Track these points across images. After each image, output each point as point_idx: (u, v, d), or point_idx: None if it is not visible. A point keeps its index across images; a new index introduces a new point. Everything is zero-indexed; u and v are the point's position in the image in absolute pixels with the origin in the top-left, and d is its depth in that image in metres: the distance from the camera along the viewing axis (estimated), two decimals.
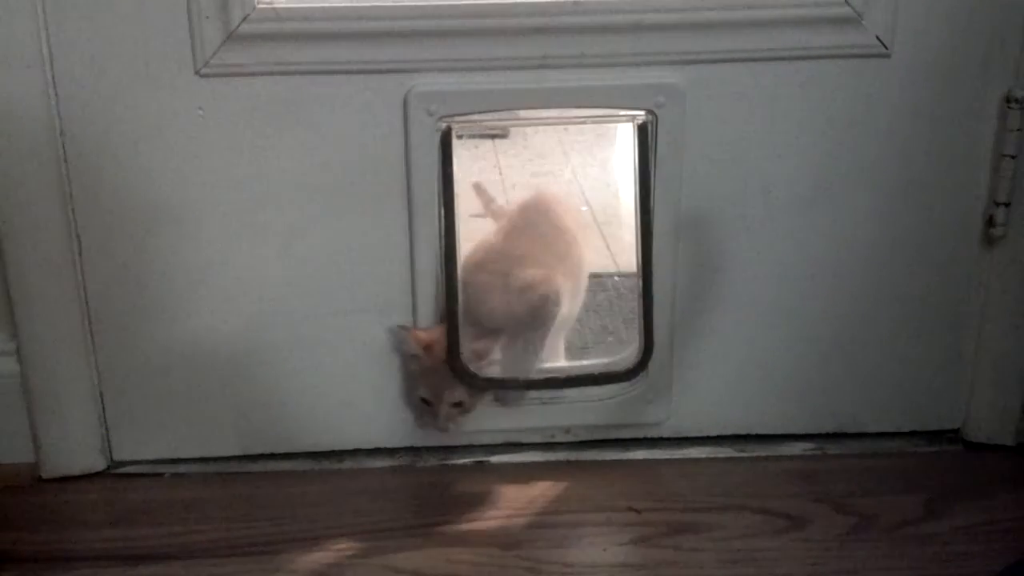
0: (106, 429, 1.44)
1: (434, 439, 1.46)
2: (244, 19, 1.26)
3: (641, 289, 1.40)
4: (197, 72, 1.28)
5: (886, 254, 1.42)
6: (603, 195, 2.43)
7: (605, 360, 1.47)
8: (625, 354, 1.45)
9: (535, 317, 1.37)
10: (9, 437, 1.42)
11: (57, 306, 1.36)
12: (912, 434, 1.51)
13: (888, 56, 1.32)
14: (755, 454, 1.48)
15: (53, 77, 1.28)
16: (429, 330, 1.37)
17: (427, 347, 1.35)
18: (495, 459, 1.47)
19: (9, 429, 1.42)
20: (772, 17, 1.29)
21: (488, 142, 2.77)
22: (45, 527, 1.35)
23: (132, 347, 1.40)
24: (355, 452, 1.47)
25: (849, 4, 1.29)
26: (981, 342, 1.46)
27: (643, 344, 1.42)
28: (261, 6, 1.26)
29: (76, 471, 1.44)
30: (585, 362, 1.48)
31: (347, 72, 1.29)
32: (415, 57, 1.29)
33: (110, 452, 1.45)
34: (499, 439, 1.48)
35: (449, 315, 1.37)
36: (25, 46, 1.25)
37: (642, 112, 1.34)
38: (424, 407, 1.38)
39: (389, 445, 1.47)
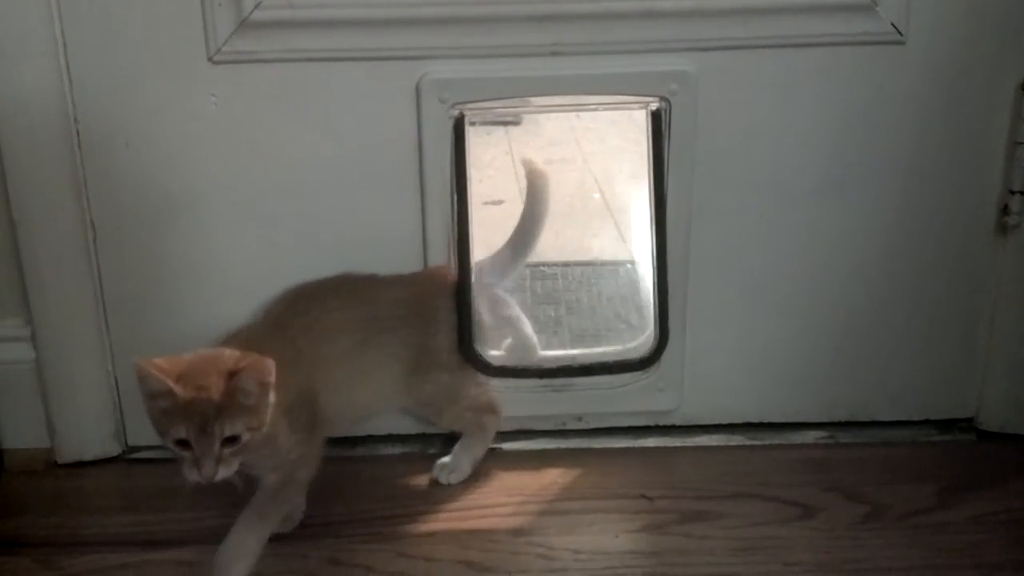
0: (120, 414, 1.44)
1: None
2: (257, 6, 1.26)
3: (656, 277, 1.40)
4: (210, 59, 1.28)
5: (899, 243, 1.41)
6: (615, 182, 2.43)
7: (618, 348, 1.47)
8: (638, 342, 1.45)
9: None
10: (24, 422, 1.43)
11: (72, 293, 1.37)
12: (925, 423, 1.51)
13: (903, 43, 1.31)
14: (767, 442, 1.48)
15: (67, 64, 1.28)
16: (173, 358, 1.13)
17: (179, 378, 1.10)
18: (507, 446, 1.48)
19: (24, 415, 1.43)
20: (786, 4, 1.29)
21: (500, 129, 2.76)
22: (60, 512, 1.36)
23: (146, 333, 1.40)
24: (367, 439, 1.48)
25: None
26: (994, 331, 1.45)
27: (658, 333, 1.42)
28: None
29: (91, 456, 1.45)
30: (598, 350, 1.49)
31: (360, 59, 1.29)
32: (427, 44, 1.29)
33: (124, 437, 1.46)
34: (511, 426, 1.48)
35: (461, 303, 1.37)
36: (39, 34, 1.26)
37: (655, 99, 1.34)
38: (184, 452, 1.11)
39: (401, 432, 1.48)
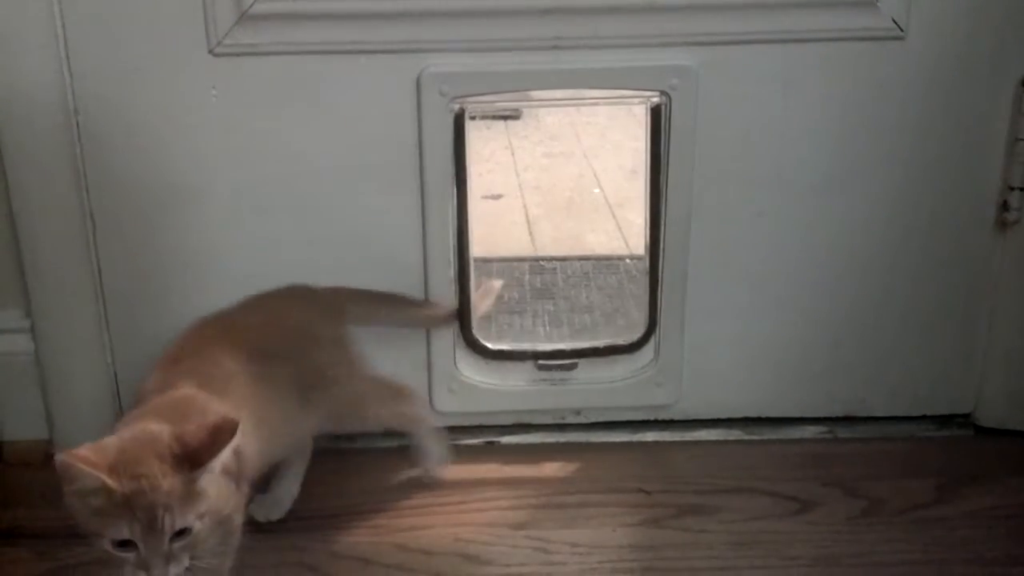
0: (119, 407, 1.44)
1: (445, 420, 1.46)
2: None
3: (649, 266, 1.41)
4: (210, 52, 1.28)
5: (899, 238, 1.41)
6: (615, 177, 2.43)
7: (617, 341, 1.47)
8: (635, 335, 1.45)
9: None
10: (23, 414, 1.43)
11: (71, 284, 1.37)
12: (923, 418, 1.51)
13: (903, 39, 1.31)
14: (765, 437, 1.48)
15: (67, 56, 1.28)
16: (99, 445, 0.99)
17: (112, 469, 0.96)
18: (505, 440, 1.48)
19: (23, 406, 1.43)
20: None
21: (500, 123, 2.77)
22: (58, 503, 1.35)
23: (145, 325, 1.40)
24: (365, 432, 1.48)
25: None
26: (993, 327, 1.45)
27: (648, 319, 1.43)
28: None
29: None
30: (595, 343, 1.49)
31: (360, 52, 1.29)
32: (428, 37, 1.29)
33: None
34: (510, 420, 1.48)
35: (461, 295, 1.39)
36: (39, 25, 1.26)
37: (656, 94, 1.34)
38: (125, 554, 0.98)
39: None
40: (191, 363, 1.17)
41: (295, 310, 1.31)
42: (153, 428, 1.01)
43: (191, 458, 0.98)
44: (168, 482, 0.96)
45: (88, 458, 0.96)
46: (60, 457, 0.95)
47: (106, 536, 0.97)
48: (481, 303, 1.46)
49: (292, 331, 1.28)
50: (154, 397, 1.11)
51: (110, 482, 0.95)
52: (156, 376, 1.16)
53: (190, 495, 0.98)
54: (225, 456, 0.99)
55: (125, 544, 0.97)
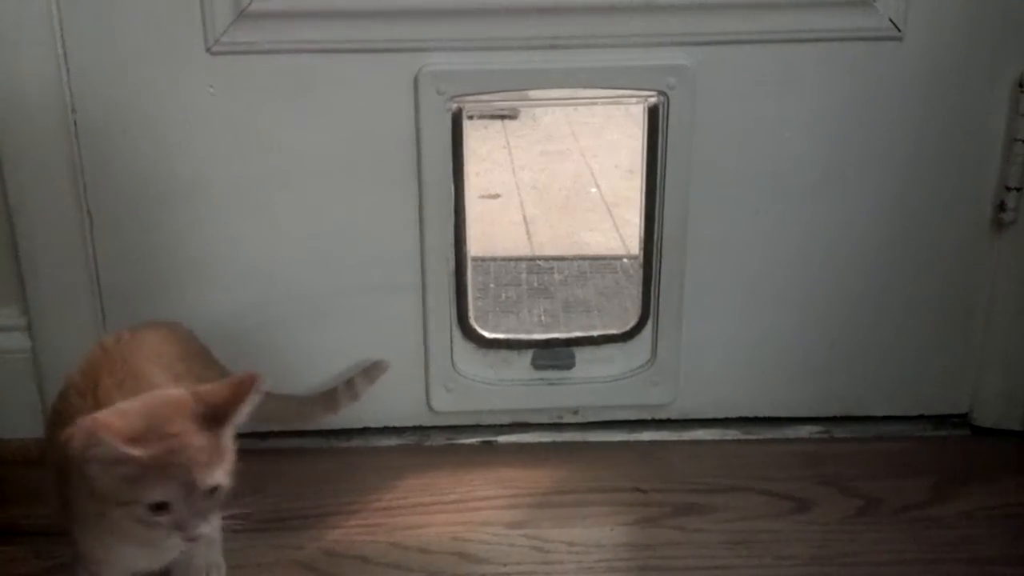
0: None
1: (442, 419, 1.47)
2: None
3: (643, 261, 1.42)
4: (208, 50, 1.28)
5: (895, 238, 1.41)
6: (612, 177, 2.44)
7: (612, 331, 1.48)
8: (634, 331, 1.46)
9: None
10: (19, 412, 1.43)
11: (68, 282, 1.37)
12: (919, 418, 1.51)
13: (900, 39, 1.31)
14: (761, 437, 1.48)
15: (64, 53, 1.28)
16: (123, 410, 0.96)
17: (133, 439, 0.93)
18: (502, 439, 1.48)
19: (19, 404, 1.43)
20: None
21: (498, 123, 2.77)
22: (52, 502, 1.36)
23: None
24: (364, 431, 1.48)
25: None
26: (990, 327, 1.45)
27: (641, 308, 1.44)
28: None
29: None
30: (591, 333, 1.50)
31: (358, 51, 1.29)
32: (426, 36, 1.29)
33: None
34: (506, 419, 1.49)
35: (459, 288, 1.40)
36: (36, 23, 1.26)
37: (653, 93, 1.34)
38: (156, 518, 0.95)
39: (397, 424, 1.48)
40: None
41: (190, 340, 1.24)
42: (171, 391, 1.01)
43: (216, 415, 0.97)
44: (198, 440, 0.95)
45: (114, 426, 0.93)
46: (87, 425, 0.92)
47: (141, 501, 0.94)
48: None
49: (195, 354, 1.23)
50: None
51: (132, 452, 0.92)
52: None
53: (218, 452, 0.97)
54: (247, 411, 0.98)
55: (159, 507, 0.95)
